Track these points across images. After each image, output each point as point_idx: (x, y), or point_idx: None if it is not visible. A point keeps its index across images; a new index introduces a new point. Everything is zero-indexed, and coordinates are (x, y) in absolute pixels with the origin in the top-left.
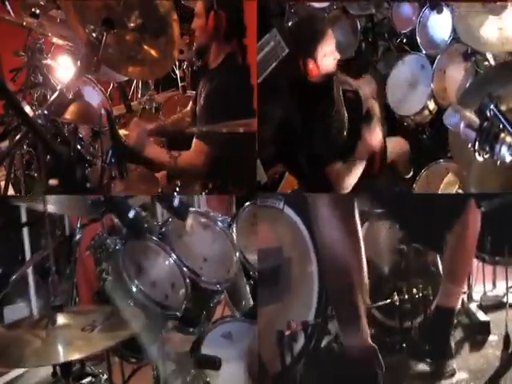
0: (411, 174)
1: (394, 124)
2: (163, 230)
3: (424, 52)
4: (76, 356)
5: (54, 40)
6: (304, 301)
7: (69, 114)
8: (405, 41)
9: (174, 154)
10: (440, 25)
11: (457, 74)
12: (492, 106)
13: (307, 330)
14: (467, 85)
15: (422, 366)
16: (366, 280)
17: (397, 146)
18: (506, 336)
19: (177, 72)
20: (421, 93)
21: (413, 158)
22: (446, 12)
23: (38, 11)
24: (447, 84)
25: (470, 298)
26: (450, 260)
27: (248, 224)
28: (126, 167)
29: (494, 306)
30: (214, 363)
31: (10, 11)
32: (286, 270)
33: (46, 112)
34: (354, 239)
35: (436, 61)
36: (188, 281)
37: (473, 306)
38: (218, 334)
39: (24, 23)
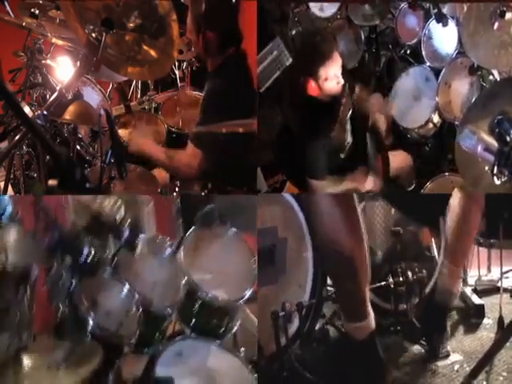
0: (413, 186)
1: (397, 136)
2: (115, 260)
3: (428, 64)
4: None
5: (54, 40)
6: (299, 283)
7: (68, 115)
8: (408, 52)
9: (169, 152)
10: (445, 38)
11: (462, 88)
12: None
13: (302, 312)
14: (473, 99)
15: (417, 348)
16: (369, 269)
17: (400, 160)
18: (500, 319)
19: (176, 72)
20: (425, 105)
21: (416, 170)
22: (452, 25)
23: (37, 12)
24: (452, 97)
25: (464, 282)
26: (451, 243)
27: (193, 247)
28: (126, 167)
29: (489, 290)
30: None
31: (10, 12)
32: (282, 251)
33: (45, 112)
34: (356, 226)
35: (441, 74)
36: (140, 308)
37: (468, 290)
38: (171, 353)
39: (23, 24)
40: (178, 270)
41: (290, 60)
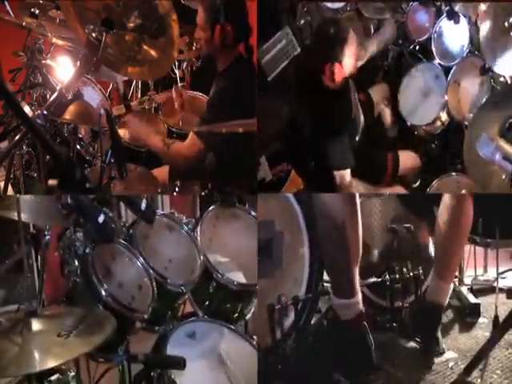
0: (418, 183)
1: (404, 132)
2: (130, 232)
3: (438, 61)
4: (54, 363)
5: (54, 40)
6: (295, 277)
7: (68, 114)
8: (417, 48)
9: (167, 141)
10: (456, 36)
11: (472, 88)
12: None
13: (298, 306)
14: (483, 100)
15: (412, 345)
16: (360, 251)
17: (409, 161)
18: (496, 318)
19: (176, 72)
20: (434, 103)
21: (421, 167)
22: (463, 22)
23: (37, 11)
24: (461, 96)
25: (461, 281)
26: (441, 254)
27: (211, 226)
28: (126, 167)
29: (485, 289)
30: (179, 363)
31: (10, 11)
32: (278, 245)
33: (45, 112)
34: (351, 201)
35: (451, 72)
36: (154, 283)
37: (464, 289)
38: (182, 333)
39: (23, 23)
40: (194, 249)
41: (298, 50)
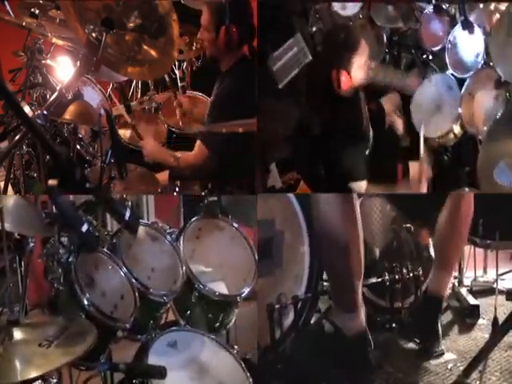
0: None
1: (416, 143)
2: (114, 241)
3: (451, 72)
4: (35, 373)
5: (54, 40)
6: (295, 277)
7: (68, 114)
8: (431, 58)
9: (176, 155)
10: (471, 46)
11: (486, 101)
12: None
13: (297, 305)
14: (498, 114)
15: (411, 345)
16: (363, 265)
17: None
18: (495, 320)
19: (176, 72)
20: (447, 115)
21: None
22: (478, 33)
23: (37, 11)
24: (475, 109)
25: (460, 282)
26: (441, 248)
27: (194, 237)
28: (126, 167)
29: (484, 291)
30: (160, 373)
31: (10, 11)
32: (278, 244)
33: (45, 112)
34: (353, 220)
35: (465, 84)
36: (137, 292)
37: (463, 291)
38: (164, 342)
39: (23, 23)
40: (177, 259)
41: (310, 57)
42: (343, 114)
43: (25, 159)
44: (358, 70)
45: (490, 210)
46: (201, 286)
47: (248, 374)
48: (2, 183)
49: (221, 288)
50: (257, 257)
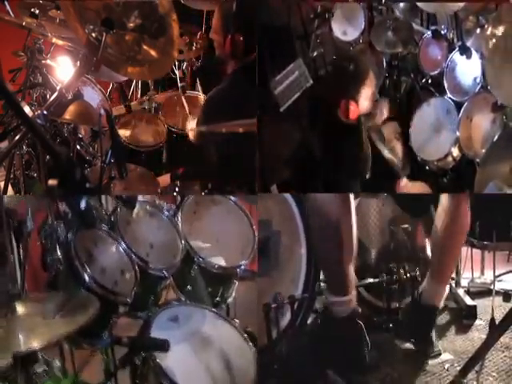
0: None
1: (415, 166)
2: (112, 218)
3: (450, 96)
4: (40, 343)
5: (54, 40)
6: (292, 277)
7: (68, 114)
8: (430, 81)
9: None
10: (468, 71)
11: (484, 124)
12: None
13: (294, 305)
14: (495, 138)
15: (408, 346)
16: (355, 249)
17: (418, 191)
18: (492, 321)
19: (176, 72)
20: (445, 138)
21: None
22: (476, 58)
23: (37, 11)
24: (473, 132)
25: (457, 283)
26: (439, 259)
27: (191, 212)
28: (126, 167)
29: (481, 292)
30: (163, 345)
31: (10, 11)
32: (275, 244)
33: (45, 112)
34: (346, 201)
35: (463, 108)
36: (136, 267)
37: (460, 291)
38: (165, 317)
39: (23, 23)
40: (176, 234)
41: (311, 81)
42: (346, 140)
43: (25, 159)
44: (365, 100)
45: (487, 211)
46: (200, 259)
47: (251, 344)
48: (2, 183)
49: (219, 261)
50: (255, 228)
